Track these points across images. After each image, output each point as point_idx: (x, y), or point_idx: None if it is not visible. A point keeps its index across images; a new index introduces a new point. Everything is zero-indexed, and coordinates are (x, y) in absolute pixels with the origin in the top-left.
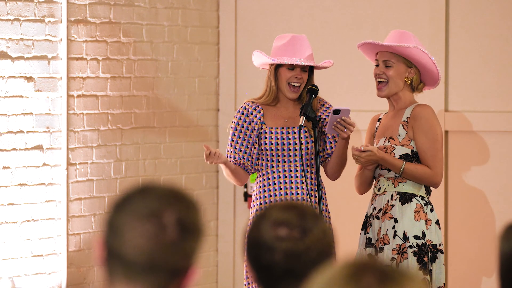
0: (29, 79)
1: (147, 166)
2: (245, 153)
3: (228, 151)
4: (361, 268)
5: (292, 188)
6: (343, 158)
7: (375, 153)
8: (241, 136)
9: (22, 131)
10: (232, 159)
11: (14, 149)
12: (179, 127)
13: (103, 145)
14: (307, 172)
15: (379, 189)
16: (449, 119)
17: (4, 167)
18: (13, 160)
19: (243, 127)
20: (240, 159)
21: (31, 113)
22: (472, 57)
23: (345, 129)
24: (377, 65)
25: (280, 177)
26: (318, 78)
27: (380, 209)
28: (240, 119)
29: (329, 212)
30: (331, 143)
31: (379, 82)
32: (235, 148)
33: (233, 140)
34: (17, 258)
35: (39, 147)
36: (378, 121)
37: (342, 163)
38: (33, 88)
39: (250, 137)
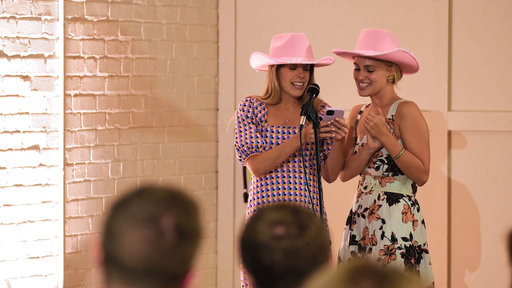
0: (26, 78)
1: (145, 166)
2: (260, 140)
3: (247, 138)
4: (359, 271)
5: (290, 189)
6: (339, 159)
7: (384, 127)
8: (254, 122)
9: (18, 131)
10: (255, 147)
11: (10, 149)
12: (178, 126)
13: (101, 145)
14: (309, 174)
15: (365, 187)
16: (452, 118)
17: (0, 168)
18: (9, 160)
19: (252, 119)
20: (263, 143)
21: (27, 113)
22: (475, 57)
23: (339, 131)
24: (357, 69)
25: (278, 177)
26: (318, 77)
27: (366, 208)
28: (249, 111)
29: (326, 214)
30: (328, 144)
31: (362, 85)
32: (256, 136)
33: (251, 128)
34: (13, 260)
35: (35, 147)
36: (360, 113)
37: (338, 165)
38: (29, 87)
39: (257, 128)
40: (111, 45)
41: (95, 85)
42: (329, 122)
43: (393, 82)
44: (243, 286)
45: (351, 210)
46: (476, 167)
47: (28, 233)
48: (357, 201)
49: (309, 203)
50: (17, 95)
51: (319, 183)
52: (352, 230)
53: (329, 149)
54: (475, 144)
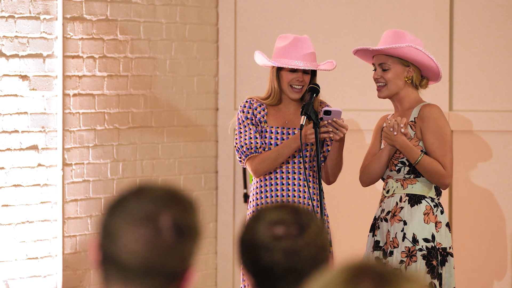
0: (24, 77)
1: (144, 166)
2: (260, 140)
3: (247, 139)
4: (359, 272)
5: (289, 190)
6: (338, 161)
7: (398, 136)
8: (254, 123)
9: (16, 131)
10: (254, 147)
11: (8, 149)
12: (178, 126)
13: (100, 145)
14: (309, 176)
15: (387, 191)
16: (453, 118)
17: None
18: (8, 160)
19: (252, 120)
20: (262, 144)
21: (26, 113)
22: (477, 56)
23: (337, 131)
24: (375, 69)
25: (278, 178)
26: (320, 77)
27: (389, 212)
28: (249, 113)
29: (328, 216)
30: (328, 145)
31: (378, 85)
32: (255, 136)
33: (250, 129)
34: (11, 260)
35: (34, 147)
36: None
37: (337, 167)
38: (28, 87)
39: (257, 129)
40: (110, 44)
41: (94, 85)
42: (326, 122)
43: (413, 84)
44: (242, 287)
45: (375, 217)
46: (478, 167)
47: (26, 234)
48: (380, 206)
49: (309, 204)
50: (16, 95)
51: (319, 183)
52: (375, 235)
53: (329, 151)
54: (477, 144)
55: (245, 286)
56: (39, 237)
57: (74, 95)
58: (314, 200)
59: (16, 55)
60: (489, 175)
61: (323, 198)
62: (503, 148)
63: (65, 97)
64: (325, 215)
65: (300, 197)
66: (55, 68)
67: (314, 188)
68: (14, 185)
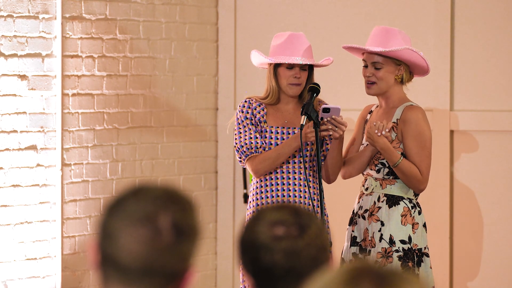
0: (23, 77)
1: (144, 166)
2: (260, 140)
3: (247, 138)
4: (359, 273)
5: (290, 190)
6: (338, 159)
7: (380, 138)
8: (253, 123)
9: (15, 131)
10: (254, 147)
11: (7, 149)
12: (177, 126)
13: (99, 145)
14: (309, 175)
15: (366, 189)
16: (454, 118)
17: None
18: (7, 160)
19: (251, 119)
20: (263, 144)
21: (24, 112)
22: (478, 55)
23: (336, 129)
24: (365, 66)
25: (278, 178)
26: (318, 76)
27: (367, 210)
28: (248, 112)
29: (327, 216)
30: (327, 144)
31: (369, 83)
32: (255, 136)
33: (250, 129)
34: (10, 261)
35: (33, 147)
36: (370, 112)
37: (337, 165)
38: (26, 86)
39: (256, 128)
40: (110, 44)
41: (93, 85)
42: (325, 120)
43: (402, 82)
44: None
45: (353, 211)
46: (479, 167)
47: (25, 234)
48: (358, 202)
49: (310, 204)
50: (15, 95)
51: (320, 183)
52: (353, 231)
53: (328, 149)
54: (478, 143)
55: (245, 287)
56: (38, 237)
57: (73, 94)
58: (314, 200)
59: (15, 55)
60: (489, 175)
61: (323, 198)
62: (503, 148)
63: (64, 97)
64: (325, 215)
65: (300, 197)
66: (54, 67)
67: (314, 188)
68: (13, 185)
